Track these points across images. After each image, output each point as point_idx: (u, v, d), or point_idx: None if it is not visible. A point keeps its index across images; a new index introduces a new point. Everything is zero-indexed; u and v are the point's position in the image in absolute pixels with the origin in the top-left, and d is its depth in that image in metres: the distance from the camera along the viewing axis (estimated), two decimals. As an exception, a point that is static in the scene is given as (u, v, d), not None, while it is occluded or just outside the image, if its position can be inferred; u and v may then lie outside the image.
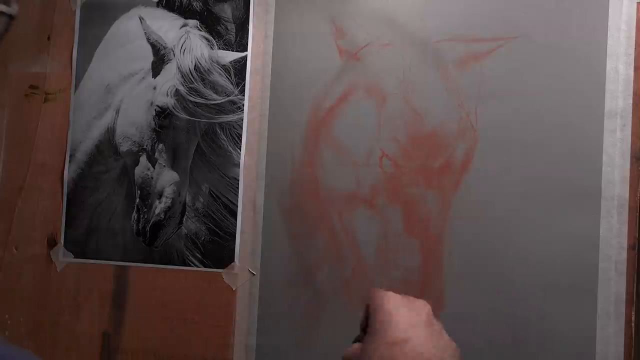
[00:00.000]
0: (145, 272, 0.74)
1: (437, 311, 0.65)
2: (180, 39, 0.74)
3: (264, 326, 0.70)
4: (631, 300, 0.60)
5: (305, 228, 0.69)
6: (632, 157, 0.62)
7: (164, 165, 0.74)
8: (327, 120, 0.69)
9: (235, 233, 0.72)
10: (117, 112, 0.76)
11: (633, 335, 0.60)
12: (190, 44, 0.73)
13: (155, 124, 0.74)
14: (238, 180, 0.72)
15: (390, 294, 0.54)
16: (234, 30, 0.73)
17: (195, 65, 0.73)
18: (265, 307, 0.70)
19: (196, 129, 0.73)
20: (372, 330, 0.54)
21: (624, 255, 0.61)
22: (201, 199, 0.73)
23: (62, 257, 0.77)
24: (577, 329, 0.61)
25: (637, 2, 0.62)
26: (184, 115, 0.73)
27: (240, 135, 0.72)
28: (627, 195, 0.61)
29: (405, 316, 0.53)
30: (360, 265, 0.67)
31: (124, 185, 0.75)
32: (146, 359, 0.73)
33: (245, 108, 0.72)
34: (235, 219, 0.72)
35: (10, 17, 0.39)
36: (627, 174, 0.61)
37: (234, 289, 0.71)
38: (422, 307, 0.54)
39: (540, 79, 0.64)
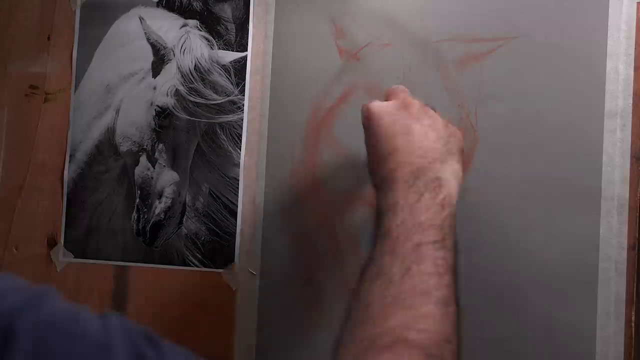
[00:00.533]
0: (145, 272, 0.74)
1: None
2: (180, 39, 0.74)
3: (264, 326, 0.70)
4: (631, 300, 0.61)
5: (305, 228, 0.69)
6: (632, 157, 0.62)
7: (164, 165, 0.74)
8: (327, 120, 0.69)
9: (235, 233, 0.72)
10: (117, 112, 0.76)
11: (633, 335, 0.60)
12: (190, 44, 0.73)
13: (155, 124, 0.74)
14: (238, 180, 0.72)
15: (375, 106, 0.55)
16: (234, 30, 0.73)
17: (195, 65, 0.73)
18: (266, 307, 0.70)
19: (196, 129, 0.73)
20: (368, 149, 0.56)
21: (624, 255, 0.61)
22: (201, 199, 0.73)
23: (62, 257, 0.77)
24: (577, 328, 0.61)
25: (638, 2, 0.63)
26: (184, 115, 0.73)
27: (240, 135, 0.72)
28: (627, 195, 0.61)
29: (389, 126, 0.54)
30: (361, 265, 0.67)
31: (124, 185, 0.75)
32: (146, 359, 0.73)
33: (245, 108, 0.72)
34: (235, 219, 0.72)
35: None
36: (627, 174, 0.61)
37: (234, 289, 0.72)
38: (404, 108, 0.55)
39: (540, 79, 0.64)
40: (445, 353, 0.44)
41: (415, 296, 0.45)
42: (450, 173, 0.53)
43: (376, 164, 0.54)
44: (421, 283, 0.46)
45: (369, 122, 0.55)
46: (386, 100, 0.57)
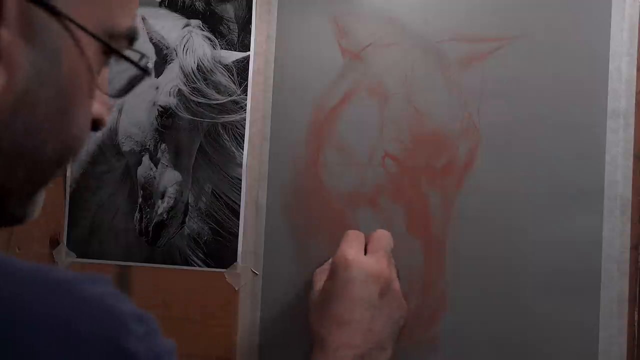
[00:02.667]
0: (147, 272, 0.74)
1: (439, 311, 0.65)
2: (182, 39, 0.74)
3: (267, 326, 0.70)
4: (634, 300, 0.61)
5: (308, 228, 0.69)
6: (635, 157, 0.62)
7: (167, 165, 0.74)
8: (329, 120, 0.69)
9: (238, 233, 0.72)
10: (120, 112, 0.76)
11: (636, 335, 0.60)
12: (192, 43, 0.73)
13: (158, 124, 0.74)
14: (241, 180, 0.72)
15: (355, 262, 0.57)
16: (237, 30, 0.73)
17: (197, 65, 0.73)
18: (268, 307, 0.70)
19: (199, 128, 0.73)
20: (323, 295, 0.58)
21: (627, 255, 0.61)
22: (204, 199, 0.73)
23: (65, 257, 0.77)
24: (580, 328, 0.61)
25: (640, 2, 0.62)
26: (186, 115, 0.73)
27: (243, 135, 0.72)
28: (630, 195, 0.61)
29: (357, 293, 0.56)
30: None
31: (126, 185, 0.75)
32: (149, 358, 0.73)
33: (248, 108, 0.72)
34: (238, 219, 0.72)
35: (145, 72, 0.40)
36: (630, 173, 0.61)
37: (236, 289, 0.72)
38: (376, 280, 0.57)
39: (543, 79, 0.64)
40: None
41: None
42: None
43: (323, 321, 0.57)
44: None
45: (338, 274, 0.57)
46: (366, 245, 0.61)
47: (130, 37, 0.38)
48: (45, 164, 0.36)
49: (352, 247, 0.60)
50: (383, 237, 0.62)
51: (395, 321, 0.59)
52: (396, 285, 0.59)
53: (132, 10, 0.38)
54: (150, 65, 0.43)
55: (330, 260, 0.62)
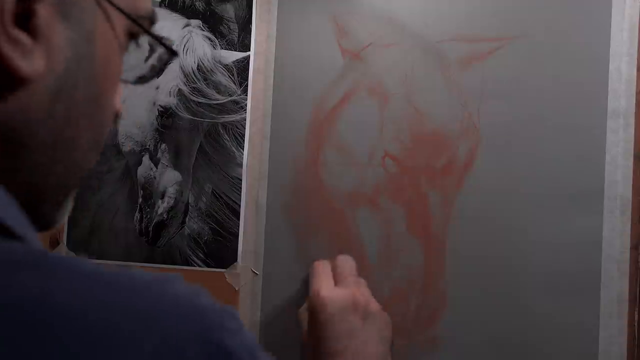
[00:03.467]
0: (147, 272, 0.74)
1: (439, 310, 0.65)
2: (183, 39, 0.74)
3: (267, 326, 0.70)
4: (634, 300, 0.61)
5: (308, 228, 0.69)
6: (635, 157, 0.62)
7: (167, 165, 0.74)
8: (329, 120, 0.69)
9: (238, 233, 0.72)
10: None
11: (636, 335, 0.60)
12: (193, 43, 0.73)
13: (158, 124, 0.74)
14: (241, 180, 0.72)
15: (327, 299, 0.58)
16: (237, 30, 0.73)
17: (198, 65, 0.73)
18: (268, 307, 0.70)
19: (199, 128, 0.73)
20: (310, 335, 0.59)
21: (627, 255, 0.61)
22: (204, 199, 0.73)
23: (65, 257, 0.77)
24: (580, 328, 0.61)
25: (640, 2, 0.62)
26: (186, 115, 0.73)
27: (243, 135, 0.72)
28: (630, 195, 0.61)
29: (338, 325, 0.57)
30: (363, 264, 0.67)
31: (126, 185, 0.75)
32: (149, 358, 0.73)
33: (248, 108, 0.72)
34: (238, 219, 0.72)
35: (172, 53, 0.39)
36: (630, 173, 0.61)
37: (236, 289, 0.72)
38: (354, 309, 0.58)
39: (543, 79, 0.64)
40: None
41: None
42: None
43: (318, 356, 0.57)
44: None
45: (317, 314, 0.58)
46: (335, 278, 0.61)
47: (151, 19, 0.37)
48: (80, 160, 0.35)
49: (322, 282, 0.61)
50: (346, 261, 0.63)
51: (384, 338, 0.60)
52: (373, 306, 0.60)
53: None
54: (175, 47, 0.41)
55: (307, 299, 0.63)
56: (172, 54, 0.38)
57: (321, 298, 0.58)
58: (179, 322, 0.28)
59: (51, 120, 0.31)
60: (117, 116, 0.38)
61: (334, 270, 0.63)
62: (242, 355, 0.29)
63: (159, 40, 0.37)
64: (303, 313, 0.63)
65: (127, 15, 0.33)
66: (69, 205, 0.38)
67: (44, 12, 0.29)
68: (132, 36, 0.36)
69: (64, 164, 0.33)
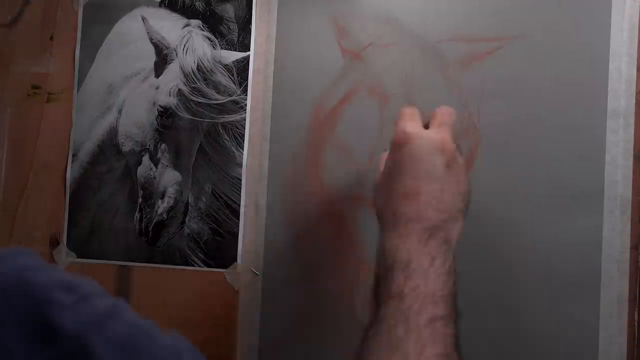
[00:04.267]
0: (147, 272, 0.74)
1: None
2: (182, 39, 0.74)
3: (267, 326, 0.70)
4: (634, 300, 0.61)
5: (308, 228, 0.69)
6: (634, 157, 0.62)
7: (167, 165, 0.74)
8: (329, 120, 0.69)
9: (237, 233, 0.72)
10: (120, 112, 0.76)
11: (636, 335, 0.60)
12: (192, 43, 0.73)
13: (158, 124, 0.74)
14: (241, 180, 0.72)
15: (415, 134, 0.52)
16: (237, 30, 0.73)
17: (197, 65, 0.73)
18: (268, 307, 0.70)
19: (199, 128, 0.73)
20: (386, 173, 0.53)
21: (627, 255, 0.61)
22: (204, 199, 0.73)
23: (65, 257, 0.77)
24: (580, 328, 0.61)
25: (640, 2, 0.62)
26: (186, 115, 0.73)
27: (243, 135, 0.72)
28: (630, 195, 0.61)
29: (421, 166, 0.51)
30: (363, 265, 0.67)
31: (126, 185, 0.75)
32: (149, 358, 0.73)
33: (248, 108, 0.72)
34: (238, 219, 0.72)
35: None
36: (630, 173, 0.61)
37: (236, 289, 0.72)
38: (441, 152, 0.52)
39: (543, 79, 0.64)
40: None
41: None
42: (456, 234, 0.52)
43: (390, 198, 0.52)
44: None
45: (400, 148, 0.52)
46: (425, 123, 0.55)
47: None
48: None
49: (410, 121, 0.54)
50: (447, 112, 0.56)
51: (463, 194, 0.53)
52: (460, 159, 0.54)
53: None
54: None
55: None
56: None
57: (407, 133, 0.52)
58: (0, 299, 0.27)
59: None
60: None
61: (432, 118, 0.56)
62: (72, 331, 0.28)
63: None
64: (383, 157, 0.57)
65: None
66: None
67: None
68: None
69: None
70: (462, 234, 0.53)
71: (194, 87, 0.73)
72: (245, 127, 0.72)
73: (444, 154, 0.52)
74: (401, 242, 0.49)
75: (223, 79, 0.73)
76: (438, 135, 0.53)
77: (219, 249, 0.72)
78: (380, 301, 0.48)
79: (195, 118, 0.73)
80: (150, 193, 0.74)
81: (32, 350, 0.27)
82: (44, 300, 0.28)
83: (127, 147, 0.75)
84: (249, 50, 0.72)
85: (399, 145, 0.52)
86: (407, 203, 0.51)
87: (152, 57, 0.75)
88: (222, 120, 0.72)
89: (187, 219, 0.73)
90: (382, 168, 0.56)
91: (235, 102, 0.72)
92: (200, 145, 0.73)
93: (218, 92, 0.73)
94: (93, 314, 0.29)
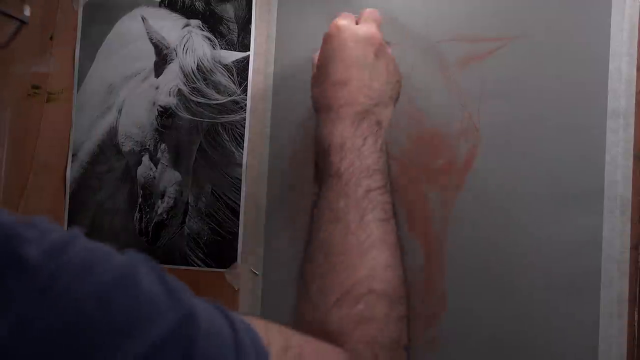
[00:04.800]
0: (147, 272, 0.74)
1: (440, 311, 0.65)
2: (182, 39, 0.74)
3: (267, 326, 0.70)
4: (634, 300, 0.61)
5: (308, 228, 0.69)
6: (634, 157, 0.62)
7: (167, 165, 0.74)
8: (329, 120, 0.69)
9: (237, 233, 0.72)
10: (120, 112, 0.76)
11: (636, 335, 0.60)
12: (192, 43, 0.73)
13: (158, 124, 0.74)
14: (240, 180, 0.72)
15: (345, 26, 0.58)
16: (237, 30, 0.73)
17: (197, 65, 0.73)
18: (268, 307, 0.70)
19: (199, 128, 0.73)
20: (320, 63, 0.59)
21: (627, 255, 0.61)
22: (204, 199, 0.73)
23: (65, 257, 0.77)
24: (580, 328, 0.61)
25: (640, 2, 0.62)
26: (186, 115, 0.73)
27: (243, 135, 0.72)
28: (630, 195, 0.61)
29: (351, 54, 0.56)
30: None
31: (126, 185, 0.76)
32: (149, 358, 0.73)
33: (248, 108, 0.72)
34: (238, 219, 0.72)
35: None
36: (630, 173, 0.61)
37: (236, 289, 0.72)
38: (369, 42, 0.57)
39: (543, 79, 0.64)
40: (403, 295, 0.49)
41: (374, 245, 0.49)
42: (386, 118, 0.57)
43: (323, 86, 0.57)
44: (376, 230, 0.49)
45: (332, 38, 0.57)
46: (356, 22, 0.60)
47: None
48: None
49: (343, 19, 0.59)
50: (373, 11, 0.61)
51: (393, 83, 0.59)
52: (389, 51, 0.60)
53: None
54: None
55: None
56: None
57: (339, 26, 0.58)
58: None
59: None
60: None
61: (361, 17, 0.62)
62: (40, 259, 0.30)
63: None
64: (316, 53, 0.62)
65: None
66: None
67: None
68: None
69: None
70: (391, 119, 0.58)
71: (193, 87, 0.73)
72: (245, 127, 0.72)
73: (372, 44, 0.57)
74: (335, 127, 0.54)
75: (223, 79, 0.73)
76: (366, 27, 0.58)
77: (219, 249, 0.72)
78: (321, 182, 0.53)
79: (195, 118, 0.73)
80: (150, 193, 0.74)
81: (8, 280, 0.30)
82: (12, 236, 0.31)
83: (127, 147, 0.75)
84: (249, 50, 0.72)
85: (331, 37, 0.58)
86: (340, 89, 0.55)
87: (152, 57, 0.75)
88: (222, 120, 0.72)
89: (187, 219, 0.73)
90: (316, 61, 0.61)
91: (235, 102, 0.72)
92: (200, 145, 0.73)
93: (218, 92, 0.73)
94: (55, 242, 0.32)
